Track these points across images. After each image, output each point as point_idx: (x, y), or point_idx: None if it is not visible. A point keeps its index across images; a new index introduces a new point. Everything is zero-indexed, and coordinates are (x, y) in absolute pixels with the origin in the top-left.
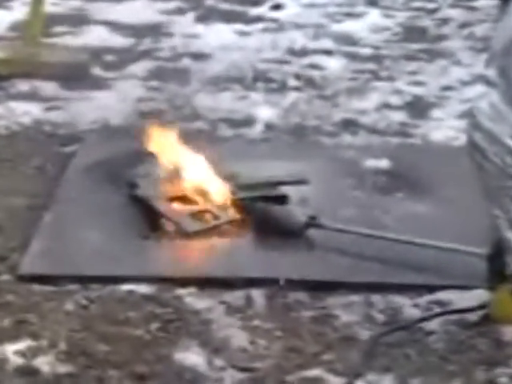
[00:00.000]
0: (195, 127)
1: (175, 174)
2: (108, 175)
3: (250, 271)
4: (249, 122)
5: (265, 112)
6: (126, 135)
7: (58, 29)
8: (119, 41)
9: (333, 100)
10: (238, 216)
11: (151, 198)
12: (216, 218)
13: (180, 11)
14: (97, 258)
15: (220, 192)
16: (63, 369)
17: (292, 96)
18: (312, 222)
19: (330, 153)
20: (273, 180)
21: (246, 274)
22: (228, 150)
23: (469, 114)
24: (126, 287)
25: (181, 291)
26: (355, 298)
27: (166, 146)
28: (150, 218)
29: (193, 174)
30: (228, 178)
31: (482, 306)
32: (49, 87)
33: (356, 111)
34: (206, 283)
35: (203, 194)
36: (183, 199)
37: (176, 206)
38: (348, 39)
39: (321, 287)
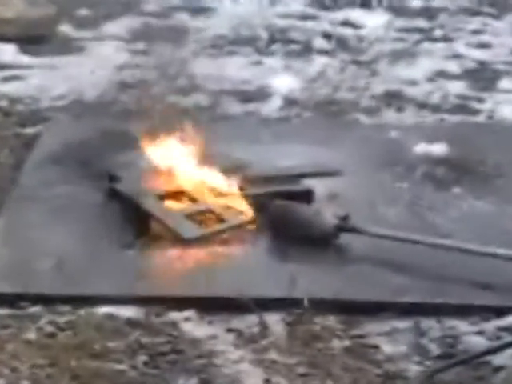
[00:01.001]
0: (193, 102)
1: (168, 165)
2: (80, 165)
3: (266, 290)
4: (263, 95)
5: (284, 82)
6: (104, 113)
7: None
8: None
9: (372, 67)
10: (248, 218)
11: (136, 194)
12: (221, 220)
13: None
14: (66, 273)
15: (225, 187)
16: None
17: (319, 62)
18: (344, 225)
19: (368, 135)
20: (294, 171)
21: (259, 294)
22: (236, 131)
23: None
24: (104, 310)
25: (175, 315)
26: (401, 323)
27: (155, 127)
28: (134, 221)
29: (190, 164)
30: (236, 168)
31: None
32: (4, 51)
33: (402, 81)
34: (208, 305)
35: (204, 190)
36: (178, 197)
37: (169, 205)
38: None
39: (356, 310)
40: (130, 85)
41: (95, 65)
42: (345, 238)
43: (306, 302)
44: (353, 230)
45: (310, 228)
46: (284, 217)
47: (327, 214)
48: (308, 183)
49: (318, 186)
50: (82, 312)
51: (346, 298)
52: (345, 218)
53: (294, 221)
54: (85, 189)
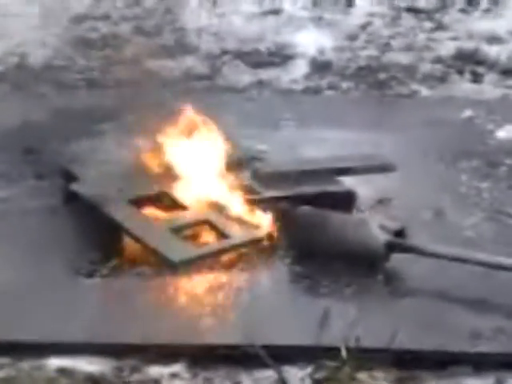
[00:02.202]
0: (183, 68)
1: (146, 157)
2: (23, 156)
3: (285, 335)
4: (282, 58)
5: (311, 39)
6: (55, 84)
7: None
8: None
9: (436, 17)
10: (261, 233)
11: (102, 198)
12: (223, 236)
13: None
14: (2, 312)
15: (231, 189)
16: None
17: (361, 11)
18: (398, 243)
19: (430, 114)
20: (326, 166)
21: (276, 341)
22: (244, 109)
23: None
24: (56, 363)
25: (158, 370)
26: (479, 381)
27: (129, 104)
28: (98, 237)
29: (179, 156)
30: (244, 162)
31: None
32: None
33: (480, 37)
34: (203, 357)
35: (198, 193)
36: (161, 203)
37: (148, 214)
38: None
39: (416, 363)
40: (92, 43)
41: (44, 15)
42: (398, 261)
43: (343, 353)
44: (410, 250)
45: (350, 246)
46: (313, 230)
47: (374, 227)
48: (347, 183)
49: (362, 186)
50: (25, 365)
51: (401, 348)
52: (399, 233)
53: (326, 236)
54: (30, 190)
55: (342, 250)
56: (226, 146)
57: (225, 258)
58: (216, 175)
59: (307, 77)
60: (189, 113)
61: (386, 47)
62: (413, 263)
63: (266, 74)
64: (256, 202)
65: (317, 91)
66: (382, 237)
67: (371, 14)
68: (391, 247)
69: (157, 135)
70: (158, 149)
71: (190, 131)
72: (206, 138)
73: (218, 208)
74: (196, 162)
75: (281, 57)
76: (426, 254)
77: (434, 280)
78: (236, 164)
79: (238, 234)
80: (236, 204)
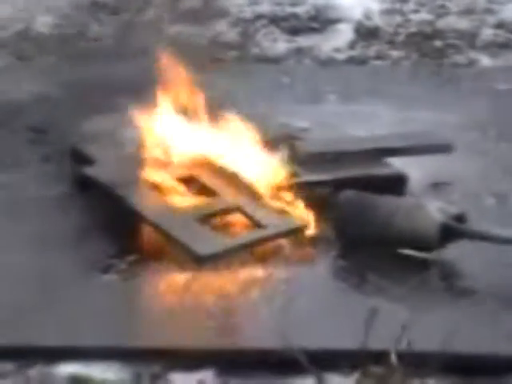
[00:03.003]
0: (214, 34)
1: (168, 137)
2: (29, 136)
3: (327, 338)
4: (322, 22)
5: (356, 1)
6: (64, 54)
7: None
8: None
9: None
10: (301, 221)
11: (119, 184)
12: (256, 225)
13: None
14: (7, 313)
15: (266, 173)
16: None
17: None
18: (459, 227)
19: (490, 86)
20: (374, 145)
21: (317, 344)
22: (280, 82)
23: None
24: (69, 369)
25: (183, 378)
26: None
27: (148, 77)
28: (116, 227)
29: (206, 135)
30: (282, 141)
31: None
32: None
33: None
34: (234, 362)
35: (229, 177)
36: (186, 188)
37: (172, 201)
38: None
39: (473, 368)
40: (106, 6)
41: None
42: (455, 254)
43: (393, 358)
44: (472, 236)
45: (404, 233)
46: (359, 217)
47: (432, 211)
48: (397, 164)
49: (414, 168)
50: (33, 372)
51: (462, 352)
52: (459, 219)
53: (375, 223)
54: (37, 175)
55: (394, 237)
56: (260, 124)
57: (258, 250)
58: (249, 157)
59: (352, 45)
60: (214, 86)
61: (441, 10)
62: (472, 256)
63: (304, 41)
64: (295, 187)
65: (363, 61)
66: (439, 221)
67: None
68: (451, 232)
69: (177, 111)
70: (177, 127)
71: (214, 108)
72: (236, 116)
73: (251, 194)
74: (225, 143)
75: (321, 22)
76: (492, 240)
77: (496, 276)
78: (273, 143)
79: (273, 223)
80: (272, 189)
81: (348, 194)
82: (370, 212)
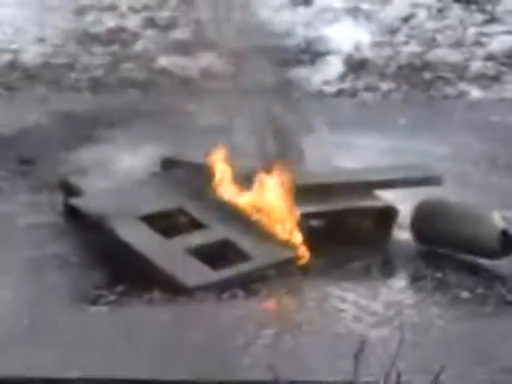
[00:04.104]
0: (203, 66)
1: (161, 164)
2: (18, 166)
3: (316, 370)
4: (313, 54)
5: (347, 34)
6: (56, 85)
7: None
8: None
9: (485, 8)
10: (291, 253)
11: (107, 216)
12: (245, 257)
13: None
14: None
15: (252, 203)
16: None
17: (401, 1)
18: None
19: (480, 118)
20: (364, 178)
21: (305, 377)
22: (271, 114)
23: None
24: None
25: None
26: None
27: (141, 106)
28: (105, 258)
29: (195, 167)
30: (270, 170)
31: None
32: None
33: None
34: None
35: (220, 209)
36: (176, 220)
37: (162, 232)
38: None
39: None
40: (97, 38)
41: (42, 5)
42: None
43: None
44: None
45: (466, 238)
46: (434, 220)
47: (494, 220)
48: (387, 197)
49: (404, 201)
50: None
51: None
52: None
53: (446, 227)
54: (25, 205)
55: (459, 242)
56: (244, 153)
57: (247, 281)
58: (235, 187)
59: (342, 77)
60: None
61: (432, 43)
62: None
63: (294, 73)
64: (292, 218)
65: (352, 93)
66: (501, 228)
67: (414, 5)
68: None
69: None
70: (167, 158)
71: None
72: (223, 148)
73: (243, 225)
74: (214, 172)
75: (312, 54)
76: None
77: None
78: (254, 174)
79: (262, 254)
80: (262, 221)
81: (425, 200)
82: (442, 216)
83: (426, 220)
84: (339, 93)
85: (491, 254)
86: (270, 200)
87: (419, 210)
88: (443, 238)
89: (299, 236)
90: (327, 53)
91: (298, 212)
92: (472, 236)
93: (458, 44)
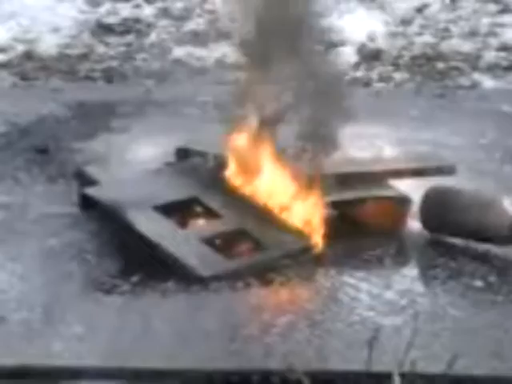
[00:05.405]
0: (218, 56)
1: (175, 155)
2: (33, 156)
3: (329, 359)
4: (328, 44)
5: (360, 24)
6: (70, 75)
7: None
8: None
9: None
10: (306, 243)
11: (122, 205)
12: (259, 247)
13: None
14: (13, 332)
15: (265, 193)
16: None
17: None
18: None
19: (493, 108)
20: (378, 168)
21: (318, 367)
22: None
23: None
24: None
25: None
26: None
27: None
28: (120, 248)
29: (211, 158)
30: (285, 159)
31: None
32: None
33: None
34: (241, 382)
35: (235, 199)
36: (190, 210)
37: (176, 222)
38: None
39: None
40: (112, 28)
41: None
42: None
43: (396, 380)
44: None
45: (477, 225)
46: (442, 207)
47: (505, 206)
48: (401, 186)
49: (418, 190)
50: None
51: (461, 373)
52: None
53: (455, 214)
54: (42, 195)
55: (469, 229)
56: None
57: (262, 272)
58: (250, 179)
59: (355, 67)
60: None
61: (445, 33)
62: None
63: None
64: (301, 209)
65: (366, 83)
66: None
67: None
68: None
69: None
70: (181, 149)
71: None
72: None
73: (258, 214)
74: (230, 164)
75: (325, 43)
76: None
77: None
78: (281, 159)
79: (277, 244)
80: (278, 211)
81: (433, 188)
82: (450, 203)
83: (434, 208)
84: (353, 82)
85: (502, 240)
86: (286, 189)
87: (427, 198)
88: (452, 226)
89: (317, 225)
90: (341, 43)
91: (316, 201)
92: (482, 222)
93: (471, 34)
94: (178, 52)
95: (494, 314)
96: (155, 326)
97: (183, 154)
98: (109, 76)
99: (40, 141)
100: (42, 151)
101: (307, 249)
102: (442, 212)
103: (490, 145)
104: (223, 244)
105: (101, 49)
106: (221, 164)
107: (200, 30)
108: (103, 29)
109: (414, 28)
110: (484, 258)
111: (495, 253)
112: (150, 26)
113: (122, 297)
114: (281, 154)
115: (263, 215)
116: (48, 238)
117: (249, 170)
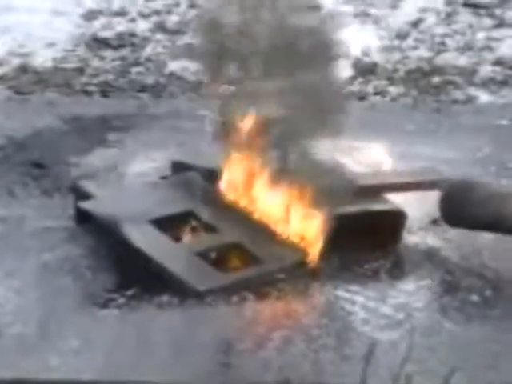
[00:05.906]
0: (179, 67)
1: (171, 169)
2: (28, 170)
3: (324, 373)
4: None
5: (356, 38)
6: (65, 88)
7: None
8: None
9: (497, 13)
10: (303, 256)
11: (117, 220)
12: (255, 260)
13: None
14: (10, 344)
15: (260, 205)
16: None
17: (412, 5)
18: None
19: (489, 123)
20: (372, 181)
21: (314, 380)
22: None
23: None
24: None
25: None
26: None
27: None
28: (115, 262)
29: (204, 172)
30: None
31: None
32: None
33: None
34: None
35: (231, 212)
36: (185, 224)
37: (171, 236)
38: None
39: None
40: (107, 43)
41: (52, 10)
42: None
43: None
44: None
45: (495, 218)
46: (461, 200)
47: None
48: (395, 200)
49: (412, 205)
50: None
51: None
52: None
53: (474, 207)
54: (37, 209)
55: (488, 221)
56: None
57: (258, 286)
58: (244, 191)
59: (350, 81)
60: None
61: (440, 47)
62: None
63: None
64: (297, 222)
65: (361, 97)
66: None
67: (423, 10)
68: None
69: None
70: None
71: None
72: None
73: (252, 229)
74: (223, 178)
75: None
76: None
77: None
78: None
79: (273, 258)
80: (273, 224)
81: (451, 180)
82: (468, 196)
83: (455, 201)
84: (348, 96)
85: None
86: (282, 203)
87: (448, 191)
88: (473, 218)
89: (313, 239)
90: (336, 57)
91: (313, 214)
92: (502, 213)
93: (466, 48)
94: (174, 66)
95: (490, 328)
96: (151, 340)
97: (179, 167)
98: (104, 90)
99: (36, 155)
100: (38, 165)
101: (303, 263)
102: (462, 204)
103: (486, 159)
104: (219, 258)
105: (96, 63)
106: (216, 178)
107: (195, 43)
108: (99, 43)
109: (409, 42)
110: (480, 273)
111: (491, 267)
112: (145, 39)
113: (118, 310)
114: (275, 167)
115: (259, 229)
116: (44, 252)
117: (244, 183)
